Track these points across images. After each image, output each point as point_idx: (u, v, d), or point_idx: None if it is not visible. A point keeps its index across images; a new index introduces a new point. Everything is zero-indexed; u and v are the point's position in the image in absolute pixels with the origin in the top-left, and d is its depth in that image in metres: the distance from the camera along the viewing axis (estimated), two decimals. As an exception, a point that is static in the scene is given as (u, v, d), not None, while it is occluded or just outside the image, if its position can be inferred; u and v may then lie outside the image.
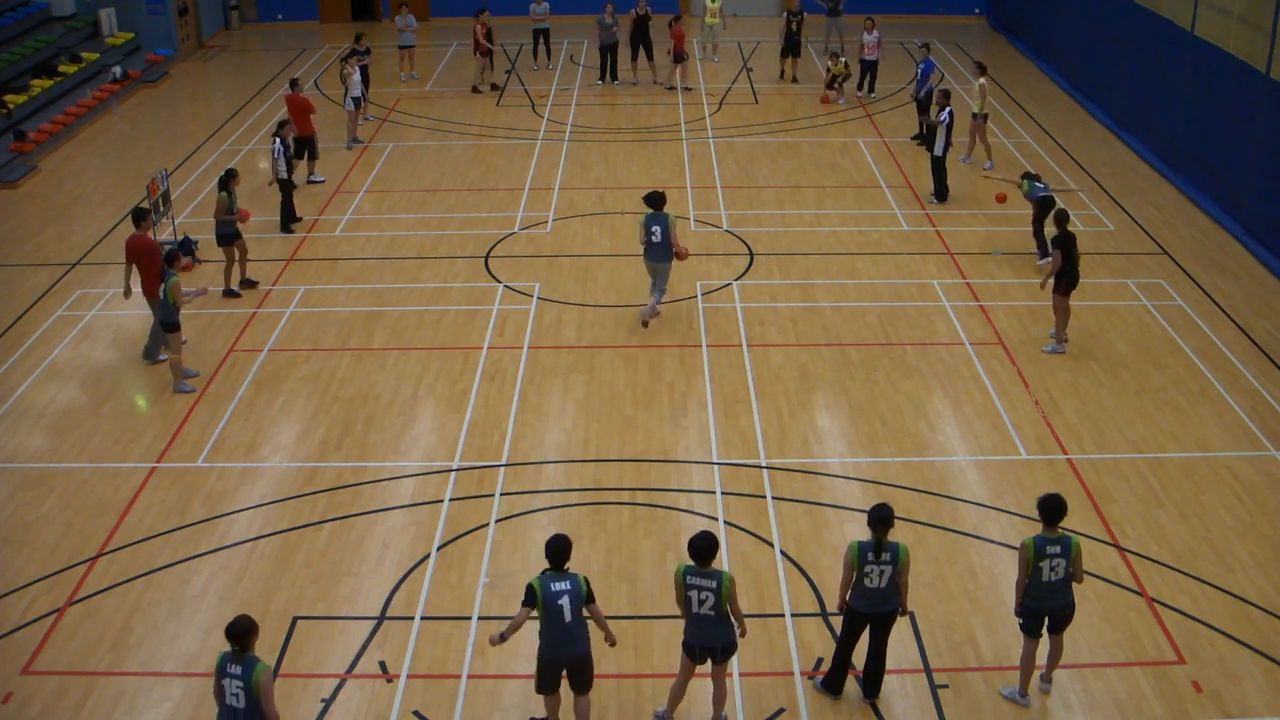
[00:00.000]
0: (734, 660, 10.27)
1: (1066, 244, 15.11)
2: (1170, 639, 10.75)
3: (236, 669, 8.40)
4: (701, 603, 9.23)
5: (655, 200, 15.94)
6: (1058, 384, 14.87)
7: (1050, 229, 16.17)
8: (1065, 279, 15.21)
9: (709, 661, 9.48)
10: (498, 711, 10.03)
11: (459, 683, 10.33)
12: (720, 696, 9.66)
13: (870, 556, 9.47)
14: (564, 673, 9.36)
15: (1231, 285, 17.60)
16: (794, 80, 28.14)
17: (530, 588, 9.07)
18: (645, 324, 16.15)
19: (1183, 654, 10.57)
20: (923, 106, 23.06)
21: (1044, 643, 10.00)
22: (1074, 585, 9.75)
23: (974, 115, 22.05)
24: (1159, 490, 12.84)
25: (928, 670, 10.39)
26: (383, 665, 10.52)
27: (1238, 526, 12.28)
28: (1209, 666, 10.44)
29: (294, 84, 21.96)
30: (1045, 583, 9.61)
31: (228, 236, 17.06)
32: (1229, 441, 13.73)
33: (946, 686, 10.22)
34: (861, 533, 12.09)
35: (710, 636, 9.35)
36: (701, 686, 9.94)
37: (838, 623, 10.81)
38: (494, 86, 27.69)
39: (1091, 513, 12.41)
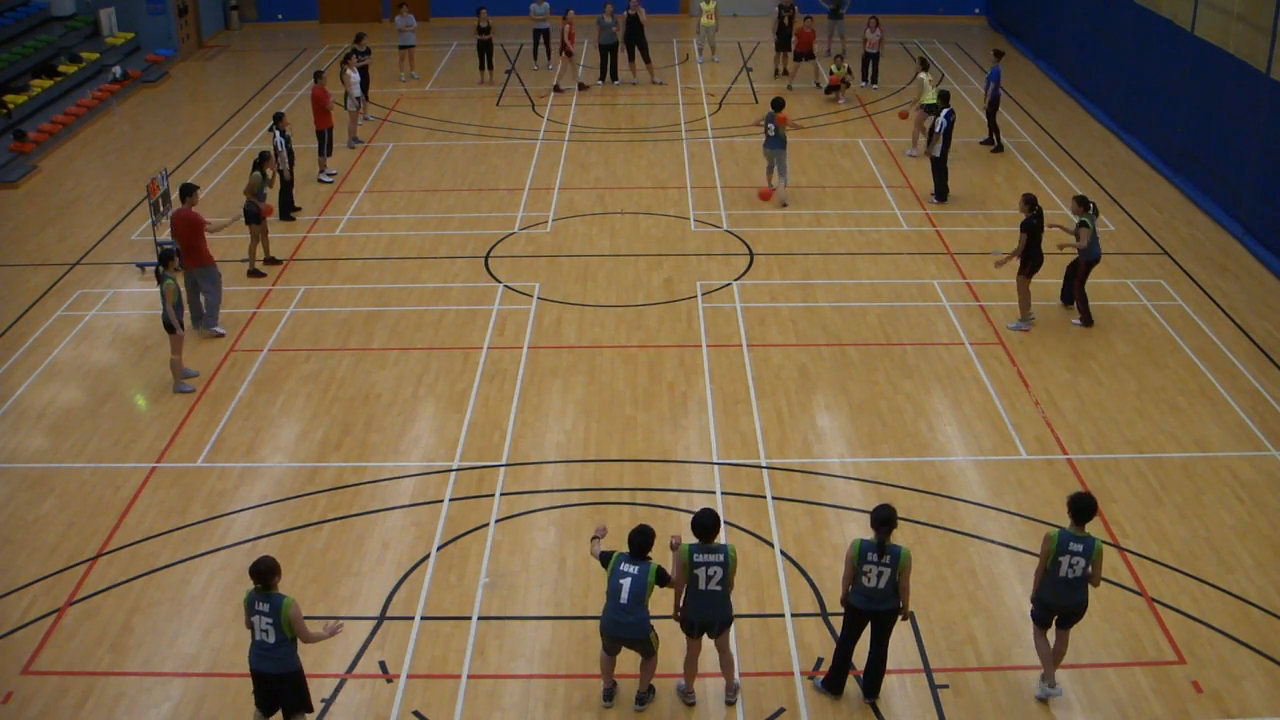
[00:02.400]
0: (735, 660, 10.29)
1: (1035, 229, 15.75)
2: (1170, 639, 10.75)
3: (264, 606, 8.98)
4: (709, 578, 9.43)
5: (776, 103, 19.92)
6: (1058, 384, 14.87)
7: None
8: (1030, 263, 15.87)
9: (704, 636, 9.71)
10: (498, 711, 10.04)
11: (459, 683, 10.33)
12: (729, 661, 9.89)
13: (871, 556, 9.48)
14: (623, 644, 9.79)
15: (1231, 285, 17.60)
16: (785, 74, 28.22)
17: (609, 554, 9.63)
18: (784, 204, 20.25)
19: (1183, 654, 10.57)
20: (988, 112, 23.21)
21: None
22: (1090, 587, 9.74)
23: (923, 106, 22.76)
24: (1159, 490, 12.84)
25: (928, 670, 10.39)
26: (383, 665, 10.52)
27: (1238, 526, 12.28)
28: (1209, 666, 10.44)
29: (318, 76, 22.09)
30: (1062, 578, 9.62)
31: (256, 215, 17.72)
32: (1229, 441, 13.73)
33: (946, 686, 10.22)
34: (862, 533, 12.12)
35: (710, 612, 9.57)
36: (705, 686, 9.96)
37: (838, 622, 10.82)
38: (581, 86, 27.69)
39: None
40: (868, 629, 9.85)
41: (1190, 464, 13.30)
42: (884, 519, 9.50)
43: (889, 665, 10.11)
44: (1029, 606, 11.01)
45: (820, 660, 10.48)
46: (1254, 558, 11.80)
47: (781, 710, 10.01)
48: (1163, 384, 14.88)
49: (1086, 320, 16.17)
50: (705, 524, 9.42)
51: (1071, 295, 16.38)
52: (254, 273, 17.95)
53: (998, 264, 16.42)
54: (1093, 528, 12.03)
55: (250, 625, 9.09)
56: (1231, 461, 13.35)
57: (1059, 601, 9.75)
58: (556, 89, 27.47)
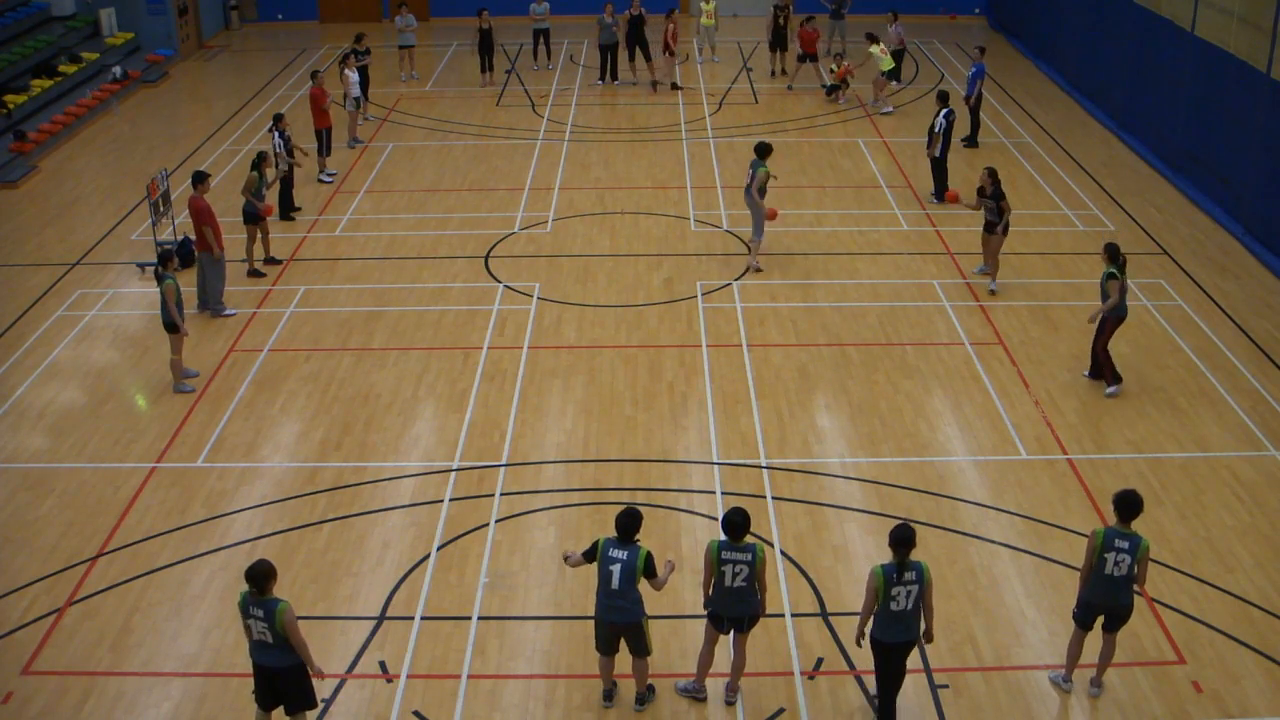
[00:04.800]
0: (745, 663, 10.29)
1: (992, 198, 16.78)
2: (1170, 639, 10.75)
3: (259, 611, 8.95)
4: (735, 575, 9.46)
5: (760, 149, 17.88)
6: (1058, 384, 14.86)
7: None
8: (1002, 226, 16.87)
9: (733, 631, 9.75)
10: (498, 711, 10.04)
11: (459, 683, 10.33)
12: (740, 663, 9.90)
13: (895, 578, 9.18)
14: (620, 637, 9.76)
15: (1231, 285, 17.60)
16: (783, 73, 28.25)
17: (595, 543, 9.61)
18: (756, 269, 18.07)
19: (1183, 654, 10.57)
20: (973, 109, 23.46)
21: (1087, 641, 10.04)
22: (1134, 587, 9.72)
23: (882, 73, 25.54)
24: (1159, 490, 12.84)
25: (928, 670, 10.38)
26: (383, 665, 10.52)
27: (1238, 526, 12.27)
28: (1209, 666, 10.44)
29: (314, 76, 22.07)
30: (1107, 576, 9.60)
31: (254, 215, 17.79)
32: (1229, 441, 13.72)
33: (946, 686, 10.22)
34: (862, 532, 12.14)
35: (739, 608, 9.60)
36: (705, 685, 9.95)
37: (838, 623, 10.86)
38: (675, 86, 27.62)
39: (1091, 513, 12.41)
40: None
41: (1190, 464, 13.30)
42: (904, 539, 9.17)
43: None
44: (1029, 607, 11.07)
45: (820, 660, 10.48)
46: (1254, 558, 11.80)
47: (781, 710, 10.01)
48: (1163, 384, 14.87)
49: (1113, 379, 14.62)
50: (735, 522, 9.44)
51: (1099, 369, 14.74)
52: (253, 273, 17.95)
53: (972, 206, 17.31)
54: (1094, 528, 12.08)
55: (246, 627, 9.09)
56: (1231, 461, 13.34)
57: (1104, 601, 9.71)
58: (675, 86, 27.51)
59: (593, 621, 9.84)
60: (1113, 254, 14.32)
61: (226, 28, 34.63)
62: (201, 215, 16.25)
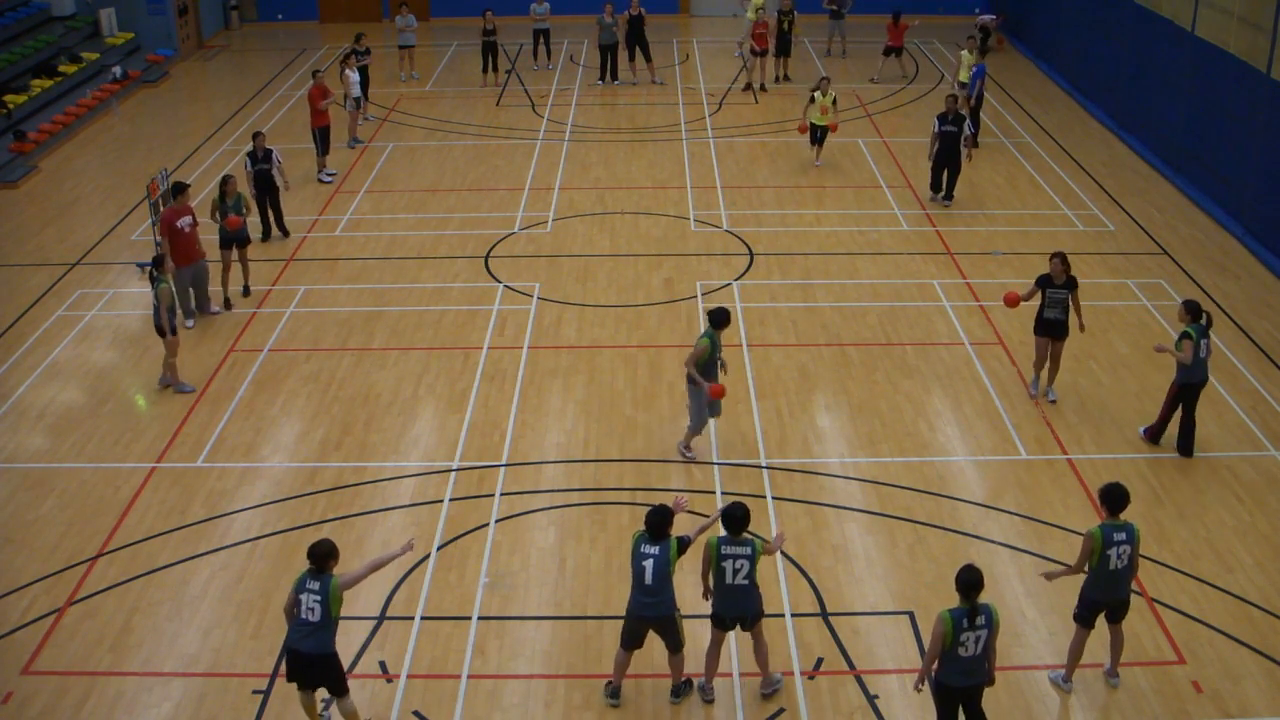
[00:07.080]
0: (733, 660, 10.31)
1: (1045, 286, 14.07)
2: (1170, 639, 10.75)
3: (315, 584, 9.20)
4: (736, 572, 9.47)
5: (713, 318, 13.07)
6: (1058, 384, 14.85)
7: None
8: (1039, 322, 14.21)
9: (738, 628, 9.76)
10: (498, 711, 10.04)
11: (459, 683, 10.33)
12: (764, 654, 9.91)
13: (965, 624, 8.81)
14: (649, 632, 9.80)
15: (1231, 285, 17.60)
16: (786, 79, 28.22)
17: (685, 538, 9.68)
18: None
19: (1183, 654, 10.57)
20: (974, 110, 23.44)
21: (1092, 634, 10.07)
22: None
23: (958, 83, 24.23)
24: (1159, 490, 12.84)
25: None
26: (383, 665, 10.53)
27: (1238, 526, 12.28)
28: (1209, 666, 10.44)
29: (315, 75, 22.06)
30: (1112, 571, 9.64)
31: (224, 239, 17.17)
32: (1229, 441, 13.72)
33: (946, 686, 10.21)
34: (862, 532, 12.13)
35: (741, 606, 9.61)
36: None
37: (838, 623, 10.86)
38: (763, 88, 27.49)
39: (1091, 513, 12.40)
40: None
41: (1190, 464, 13.30)
42: (973, 582, 8.77)
43: (890, 665, 10.10)
44: (1029, 607, 11.07)
45: (820, 660, 10.48)
46: (1254, 558, 11.80)
47: (781, 710, 10.01)
48: (1162, 384, 14.80)
49: (1184, 449, 13.32)
50: (736, 516, 9.49)
51: (1189, 443, 13.34)
52: (226, 303, 16.98)
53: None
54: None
55: (295, 603, 9.20)
56: (1231, 461, 13.34)
57: (1108, 597, 9.78)
58: (763, 88, 27.43)
59: (593, 621, 9.85)
60: (1194, 312, 12.94)
61: (226, 28, 34.62)
62: (161, 226, 16.19)
